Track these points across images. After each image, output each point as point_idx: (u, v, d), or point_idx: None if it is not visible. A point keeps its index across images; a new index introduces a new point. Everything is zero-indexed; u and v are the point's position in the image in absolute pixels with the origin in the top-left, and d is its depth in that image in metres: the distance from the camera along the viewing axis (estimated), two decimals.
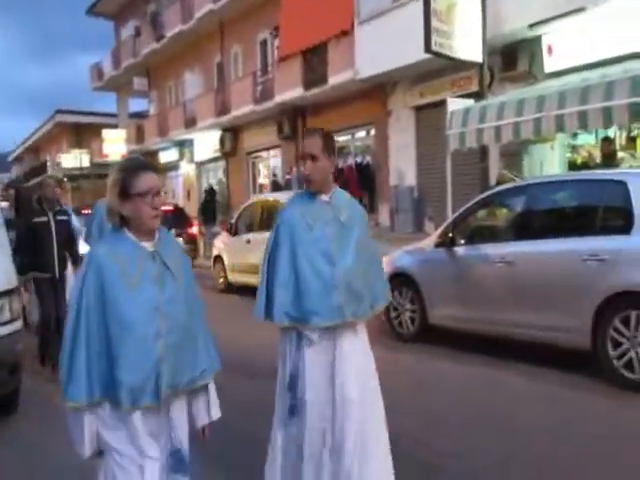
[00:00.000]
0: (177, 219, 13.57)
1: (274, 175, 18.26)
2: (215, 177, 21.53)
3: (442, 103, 10.03)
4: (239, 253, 9.85)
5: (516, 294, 4.87)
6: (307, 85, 14.62)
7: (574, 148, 9.68)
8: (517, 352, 5.10)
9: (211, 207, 18.62)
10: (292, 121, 16.27)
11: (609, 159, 7.63)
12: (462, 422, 3.78)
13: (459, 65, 9.99)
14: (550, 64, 9.44)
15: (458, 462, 3.18)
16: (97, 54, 40.21)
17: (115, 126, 28.31)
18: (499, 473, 3.08)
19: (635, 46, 8.04)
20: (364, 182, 13.79)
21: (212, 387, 2.08)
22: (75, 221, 6.66)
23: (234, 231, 10.24)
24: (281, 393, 2.51)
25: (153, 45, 22.70)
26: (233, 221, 10.60)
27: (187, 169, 23.36)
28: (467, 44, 9.37)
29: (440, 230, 6.00)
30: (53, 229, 5.38)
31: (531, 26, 9.19)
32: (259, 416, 3.70)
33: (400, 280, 6.02)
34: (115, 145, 26.32)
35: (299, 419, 2.41)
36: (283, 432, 2.46)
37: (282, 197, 9.63)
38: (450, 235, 5.63)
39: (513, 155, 9.73)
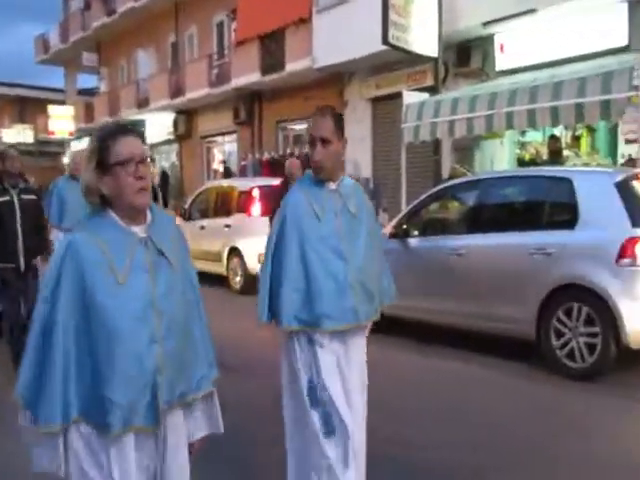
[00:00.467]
0: None
1: (224, 162, 18.04)
2: (168, 160, 21.06)
3: (398, 96, 10.18)
4: (193, 239, 9.65)
5: (467, 286, 5.04)
6: (264, 70, 14.48)
7: (523, 145, 10.05)
8: (473, 342, 5.27)
9: (163, 191, 18.16)
10: (248, 106, 16.09)
11: (555, 156, 7.97)
12: (429, 415, 3.81)
13: (415, 59, 10.15)
14: (502, 62, 9.73)
15: (427, 455, 3.20)
16: (43, 24, 38.14)
17: (62, 102, 27.16)
18: (470, 465, 3.12)
19: (583, 48, 8.40)
20: None
21: (214, 396, 1.74)
22: None
23: (187, 216, 10.08)
24: (297, 405, 2.27)
25: (104, 20, 21.86)
26: (187, 206, 10.43)
27: None
28: (423, 39, 9.53)
29: (394, 221, 6.13)
30: (17, 210, 4.56)
31: (484, 24, 9.43)
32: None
33: None
34: (62, 122, 25.25)
35: (338, 432, 2.18)
36: (326, 451, 2.18)
37: (238, 184, 9.55)
38: (404, 227, 5.75)
39: (465, 150, 10.01)
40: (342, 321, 2.19)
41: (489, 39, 9.82)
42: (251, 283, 8.43)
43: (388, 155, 12.06)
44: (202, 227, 9.47)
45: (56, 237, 5.55)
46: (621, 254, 4.10)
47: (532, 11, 8.61)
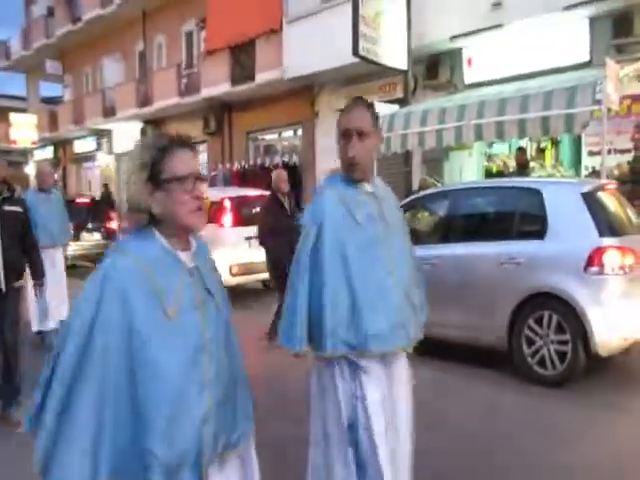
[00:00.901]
0: (94, 213, 12.91)
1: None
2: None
3: None
4: None
5: (439, 295, 5.06)
6: (234, 81, 14.43)
7: (490, 157, 10.26)
8: (445, 351, 5.31)
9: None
10: (218, 116, 16.00)
11: (522, 168, 8.17)
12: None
13: (385, 71, 10.27)
14: (470, 75, 9.95)
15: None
16: (4, 30, 37.21)
17: (24, 110, 26.46)
18: (443, 472, 3.15)
19: (548, 63, 8.66)
20: (290, 182, 13.79)
21: (252, 451, 1.56)
22: None
23: None
24: (328, 449, 1.98)
25: (68, 27, 21.45)
26: None
27: (105, 160, 22.28)
28: (393, 51, 9.66)
29: None
30: None
31: (452, 38, 9.63)
32: None
33: None
34: (24, 130, 24.57)
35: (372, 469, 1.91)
36: None
37: (209, 194, 9.43)
38: None
39: (434, 161, 10.16)
40: (392, 342, 1.93)
41: (457, 52, 10.04)
42: None
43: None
44: None
45: None
46: (589, 263, 4.19)
47: (499, 26, 8.84)
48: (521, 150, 8.49)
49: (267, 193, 9.62)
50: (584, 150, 8.76)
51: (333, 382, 1.94)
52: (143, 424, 1.24)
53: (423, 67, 10.48)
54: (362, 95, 9.48)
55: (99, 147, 22.25)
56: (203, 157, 17.73)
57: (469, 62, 9.96)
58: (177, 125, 17.87)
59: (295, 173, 14.03)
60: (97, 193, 20.63)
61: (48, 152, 24.17)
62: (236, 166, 15.16)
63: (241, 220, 8.60)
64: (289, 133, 14.89)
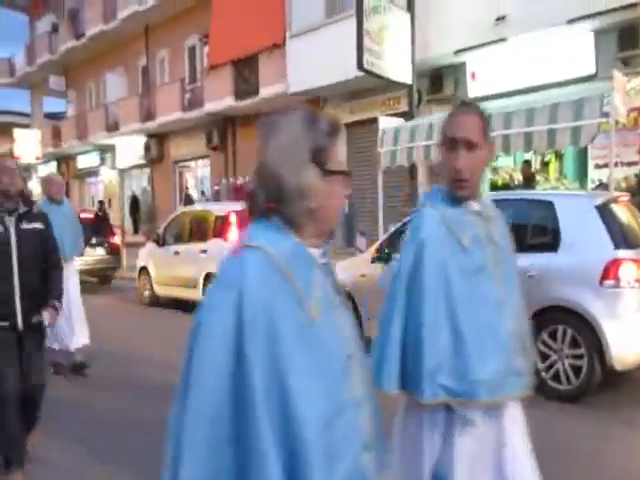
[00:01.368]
0: (98, 228, 12.89)
1: (187, 188, 17.99)
2: (139, 185, 20.77)
3: (373, 121, 10.29)
4: (167, 265, 9.51)
5: None
6: (238, 95, 14.50)
7: (495, 170, 10.26)
8: None
9: (133, 217, 17.98)
10: (222, 131, 16.05)
11: (529, 181, 8.15)
12: None
13: (389, 85, 10.32)
14: (474, 89, 9.98)
15: None
16: (9, 47, 37.70)
17: (28, 126, 26.62)
18: None
19: (553, 76, 8.69)
20: None
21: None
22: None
23: (161, 242, 9.88)
24: None
25: (72, 43, 21.66)
26: (160, 231, 10.24)
27: (109, 175, 22.36)
28: (397, 65, 9.71)
29: (376, 245, 6.12)
30: (13, 245, 3.22)
31: (456, 52, 9.68)
32: None
33: None
34: (28, 146, 24.69)
35: None
36: None
37: (214, 208, 9.44)
38: (386, 251, 5.74)
39: (440, 174, 10.14)
40: (504, 391, 1.63)
41: (461, 66, 10.08)
42: None
43: (364, 179, 12.16)
44: (176, 252, 9.28)
45: None
46: (604, 276, 4.15)
47: (502, 40, 8.89)
48: (527, 163, 8.49)
49: None
50: (590, 163, 8.75)
51: (420, 432, 1.64)
52: (297, 460, 0.99)
53: (427, 81, 10.53)
54: (366, 109, 9.56)
55: (103, 162, 22.34)
56: (206, 172, 17.78)
57: (473, 76, 10.00)
58: (180, 140, 17.96)
59: None
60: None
61: (52, 167, 24.25)
62: (240, 181, 15.19)
63: None
64: None
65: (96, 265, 11.97)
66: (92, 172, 23.18)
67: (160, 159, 18.98)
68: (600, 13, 7.93)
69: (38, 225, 3.37)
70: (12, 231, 3.22)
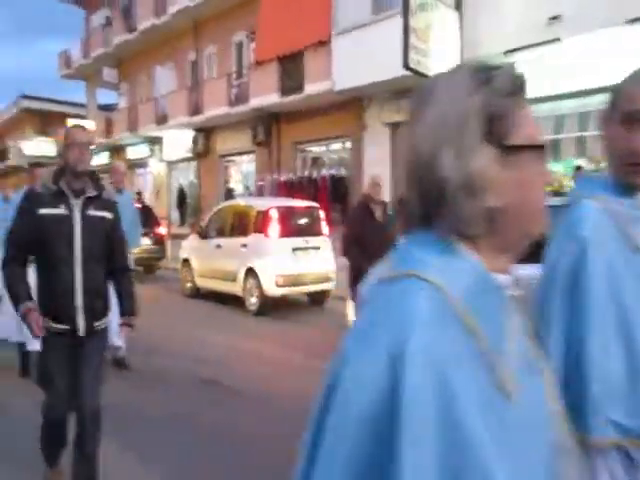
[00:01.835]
0: (144, 218, 13.26)
1: (227, 182, 18.23)
2: (186, 178, 21.21)
3: None
4: (209, 258, 9.71)
5: None
6: (283, 92, 14.59)
7: None
8: None
9: (180, 210, 18.40)
10: (267, 127, 16.19)
11: None
12: None
13: None
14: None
15: None
16: (67, 41, 39.29)
17: (83, 117, 27.57)
18: None
19: (609, 79, 8.34)
20: (337, 194, 13.85)
21: None
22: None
23: (204, 235, 10.09)
24: None
25: (124, 36, 22.26)
26: (204, 224, 10.45)
27: (157, 167, 22.93)
28: (444, 64, 9.50)
29: None
30: (78, 233, 2.71)
31: (506, 53, 9.43)
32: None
33: None
34: None
35: None
36: None
37: (256, 203, 9.55)
38: None
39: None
40: None
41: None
42: (266, 305, 8.39)
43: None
44: (218, 246, 9.46)
45: None
46: None
47: (556, 40, 8.61)
48: (579, 169, 8.21)
49: (315, 205, 9.73)
50: None
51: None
52: None
53: None
54: None
55: (152, 154, 22.91)
56: (250, 167, 18.01)
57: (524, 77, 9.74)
58: (226, 134, 18.24)
59: (341, 186, 14.07)
60: (148, 200, 21.26)
61: (103, 158, 25.03)
62: (283, 177, 15.32)
63: (288, 231, 8.65)
64: (337, 146, 14.91)
65: (142, 254, 12.33)
66: (141, 163, 23.80)
67: (206, 153, 19.32)
68: None
69: (107, 214, 2.83)
70: (77, 216, 2.71)
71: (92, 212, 2.78)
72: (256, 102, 15.44)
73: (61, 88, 53.87)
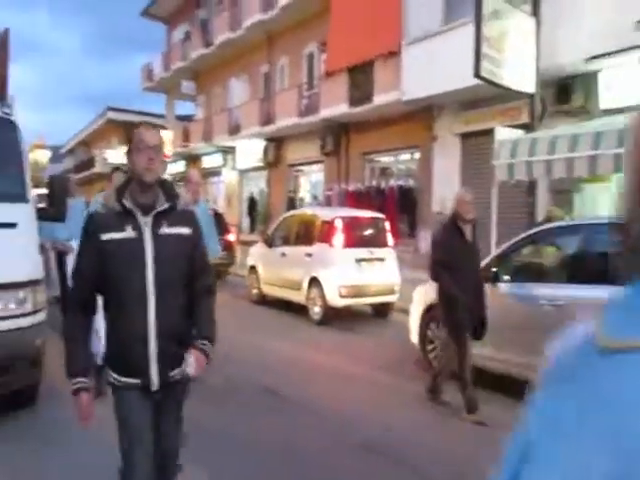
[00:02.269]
0: (216, 225, 13.66)
1: (290, 191, 18.41)
2: (257, 186, 21.73)
3: (489, 132, 9.87)
4: (274, 265, 9.85)
5: None
6: (352, 102, 14.64)
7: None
8: None
9: (251, 217, 18.84)
10: (336, 137, 16.31)
11: None
12: None
13: (508, 95, 9.83)
14: (606, 101, 9.19)
15: None
16: (150, 55, 41.74)
17: (162, 127, 28.96)
18: None
19: None
20: (405, 206, 13.69)
21: None
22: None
23: (270, 243, 10.26)
24: None
25: (202, 50, 23.19)
26: (270, 232, 10.63)
27: (229, 176, 23.65)
28: (518, 74, 9.21)
29: (483, 264, 5.85)
30: (149, 260, 2.14)
31: (587, 60, 8.98)
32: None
33: (438, 312, 5.88)
34: None
35: None
36: None
37: (321, 213, 9.61)
38: (494, 270, 5.48)
39: (563, 192, 9.48)
40: None
41: (592, 75, 9.34)
42: (330, 315, 8.38)
43: (477, 192, 11.66)
44: (283, 254, 9.58)
45: None
46: None
47: None
48: None
49: (380, 216, 9.66)
50: None
51: None
52: None
53: (552, 91, 9.88)
54: (482, 119, 9.11)
55: (225, 163, 23.66)
56: (319, 176, 18.17)
57: (606, 86, 9.22)
58: (296, 144, 18.53)
59: (409, 197, 13.89)
60: (221, 207, 21.91)
61: (180, 166, 26.14)
62: (351, 187, 15.34)
63: (352, 241, 8.63)
64: (406, 156, 14.76)
65: (212, 260, 12.67)
66: (215, 172, 24.63)
67: (277, 162, 19.71)
68: None
69: (185, 230, 2.22)
70: (147, 237, 2.12)
71: (166, 230, 2.16)
72: (326, 112, 15.59)
73: (144, 100, 56.94)
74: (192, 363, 2.15)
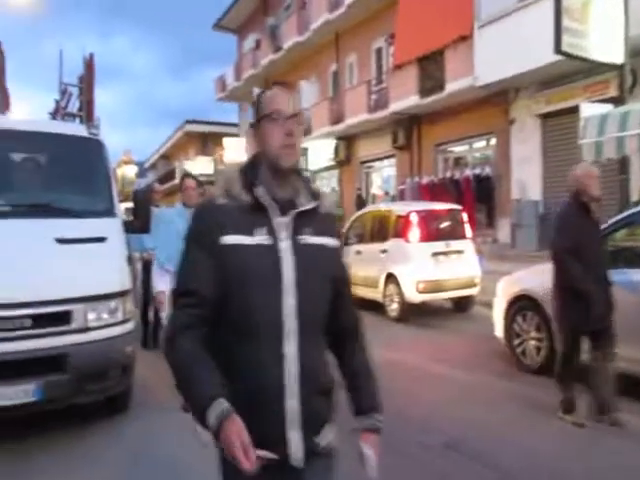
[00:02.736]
0: None
1: (359, 189, 18.15)
2: (328, 185, 21.77)
3: (573, 110, 9.22)
4: (349, 264, 9.71)
5: None
6: (423, 93, 14.25)
7: None
8: None
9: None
10: (407, 130, 15.98)
11: None
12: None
13: (593, 68, 9.12)
14: None
15: None
16: (222, 66, 43.26)
17: (237, 135, 29.79)
18: None
19: None
20: (482, 195, 13.12)
21: None
22: None
23: (344, 241, 10.13)
24: None
25: (271, 56, 23.57)
26: (344, 230, 10.51)
27: None
28: (604, 44, 8.50)
29: None
30: (288, 282, 1.39)
31: None
32: None
33: (524, 304, 5.49)
34: (235, 153, 27.64)
35: None
36: None
37: (395, 208, 9.36)
38: None
39: None
40: None
41: None
42: (408, 311, 8.14)
43: (561, 176, 10.98)
44: (358, 252, 9.42)
45: None
46: None
47: None
48: None
49: (456, 207, 9.26)
50: None
51: None
52: None
53: None
54: (564, 97, 8.54)
55: None
56: (391, 171, 17.87)
57: None
58: (367, 140, 18.34)
59: (486, 186, 13.29)
60: None
61: None
62: (425, 180, 14.94)
63: (429, 235, 8.33)
64: (481, 144, 14.16)
65: None
66: None
67: (348, 160, 19.62)
68: None
69: (330, 241, 1.53)
70: (286, 247, 1.44)
71: (309, 239, 1.47)
72: (396, 106, 15.29)
73: (218, 110, 59.12)
74: (373, 459, 1.47)
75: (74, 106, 6.09)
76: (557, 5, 8.36)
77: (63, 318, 3.73)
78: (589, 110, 8.29)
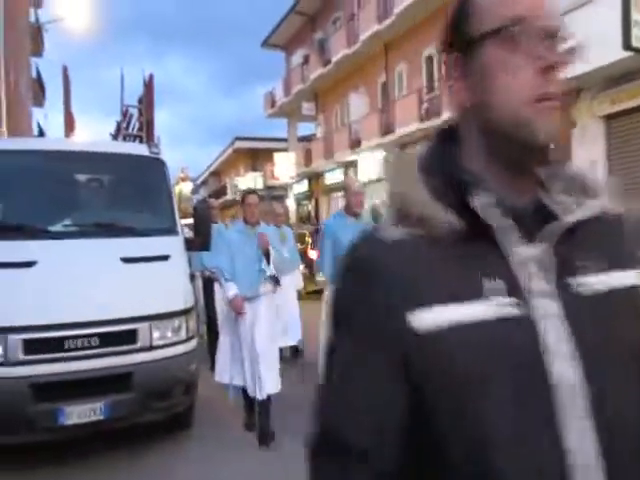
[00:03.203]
0: None
1: None
2: (379, 197, 21.53)
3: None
4: None
5: None
6: None
7: None
8: None
9: None
10: None
11: None
12: None
13: None
14: None
15: None
16: (270, 83, 44.13)
17: (285, 150, 30.10)
18: None
19: None
20: None
21: None
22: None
23: None
24: None
25: (320, 70, 23.71)
26: None
27: None
28: None
29: None
30: (567, 355, 0.62)
31: None
32: None
33: None
34: (285, 168, 27.89)
35: None
36: None
37: None
38: None
39: None
40: None
41: None
42: None
43: (630, 181, 10.38)
44: None
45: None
46: None
47: None
48: None
49: None
50: None
51: None
52: None
53: None
54: (632, 96, 8.01)
55: None
56: None
57: None
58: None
59: None
60: None
61: (304, 185, 26.85)
62: None
63: None
64: None
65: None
66: (337, 188, 24.91)
67: None
68: None
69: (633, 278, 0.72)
70: (547, 313, 0.65)
71: (598, 279, 0.70)
72: (449, 113, 14.94)
73: (267, 126, 60.18)
74: None
75: (134, 127, 6.22)
76: None
77: (129, 337, 3.75)
78: None
